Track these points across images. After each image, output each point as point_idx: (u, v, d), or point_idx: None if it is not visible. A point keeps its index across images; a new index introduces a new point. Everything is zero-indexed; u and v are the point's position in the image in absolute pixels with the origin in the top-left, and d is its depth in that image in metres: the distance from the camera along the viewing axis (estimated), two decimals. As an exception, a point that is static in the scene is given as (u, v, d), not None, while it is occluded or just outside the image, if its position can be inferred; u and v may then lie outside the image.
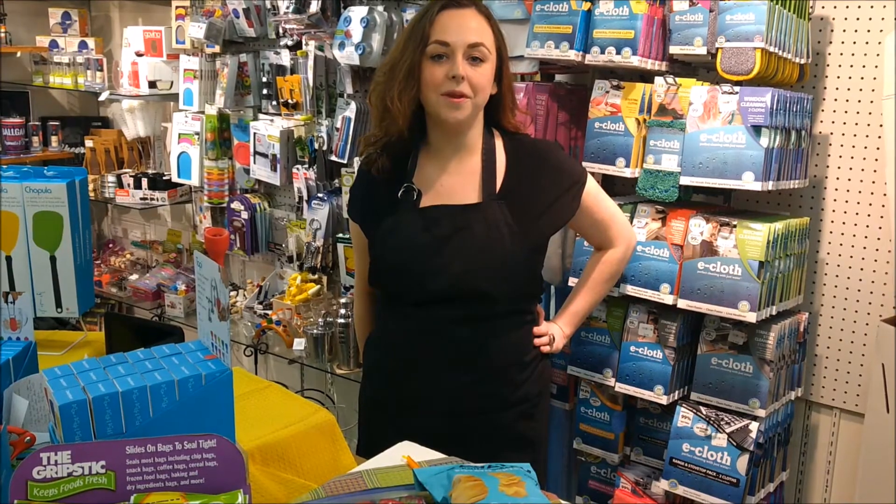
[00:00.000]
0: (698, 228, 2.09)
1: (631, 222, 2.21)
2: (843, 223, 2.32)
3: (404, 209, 1.70)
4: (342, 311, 3.12)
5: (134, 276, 4.14)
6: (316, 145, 3.32)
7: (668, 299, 2.13)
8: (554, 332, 1.89)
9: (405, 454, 1.40)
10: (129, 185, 4.11)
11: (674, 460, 2.19)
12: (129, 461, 1.04)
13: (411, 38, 1.65)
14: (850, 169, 2.30)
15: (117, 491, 1.03)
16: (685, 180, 2.09)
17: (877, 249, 2.28)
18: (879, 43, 2.19)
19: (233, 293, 3.77)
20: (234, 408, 1.32)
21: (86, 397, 1.20)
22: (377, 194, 1.74)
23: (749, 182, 1.99)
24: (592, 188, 1.85)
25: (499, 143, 1.76)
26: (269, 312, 3.43)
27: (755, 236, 2.01)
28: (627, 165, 2.19)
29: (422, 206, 1.71)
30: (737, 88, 2.02)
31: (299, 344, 3.24)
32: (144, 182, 4.08)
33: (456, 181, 1.72)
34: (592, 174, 2.53)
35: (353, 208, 1.85)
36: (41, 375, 1.27)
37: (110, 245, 4.63)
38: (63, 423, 1.19)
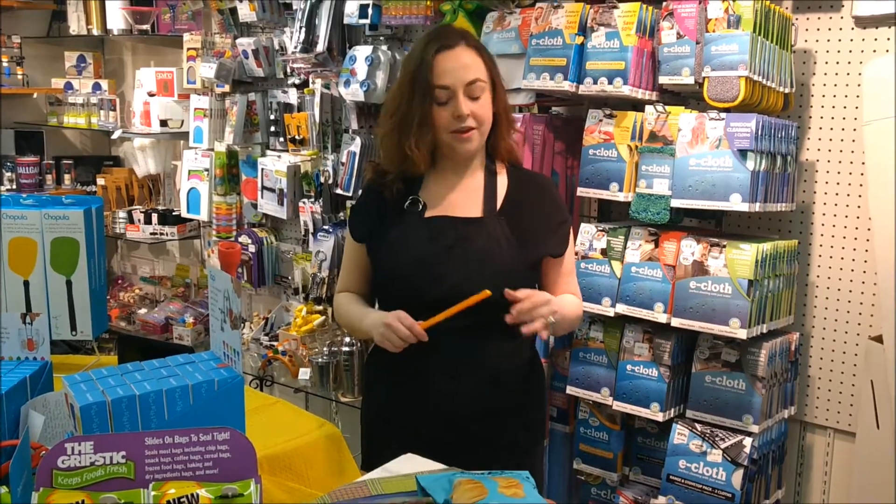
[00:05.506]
0: (689, 249, 2.17)
1: (625, 245, 2.29)
2: (832, 246, 2.40)
3: (410, 219, 1.80)
4: (346, 339, 3.19)
5: (143, 310, 4.22)
6: (322, 179, 3.43)
7: (662, 318, 2.20)
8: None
9: (409, 465, 1.46)
10: (139, 220, 4.21)
11: (671, 477, 2.24)
12: (148, 452, 1.10)
13: (417, 86, 1.75)
14: (837, 194, 2.38)
15: (136, 480, 1.09)
16: (676, 203, 2.17)
17: (864, 272, 2.35)
18: (860, 74, 2.29)
19: (240, 325, 3.83)
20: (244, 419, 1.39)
21: (105, 399, 1.27)
22: (385, 209, 1.84)
23: (736, 203, 2.08)
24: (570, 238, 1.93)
25: (501, 167, 1.88)
26: (276, 344, 3.50)
27: (744, 256, 2.09)
28: (621, 190, 2.28)
29: (426, 216, 1.81)
30: (723, 115, 2.11)
31: (304, 373, 3.30)
32: (154, 217, 4.18)
33: (459, 196, 1.83)
34: (588, 199, 2.65)
35: (357, 225, 1.92)
36: (64, 386, 1.34)
37: (119, 281, 4.71)
38: (83, 424, 1.26)
